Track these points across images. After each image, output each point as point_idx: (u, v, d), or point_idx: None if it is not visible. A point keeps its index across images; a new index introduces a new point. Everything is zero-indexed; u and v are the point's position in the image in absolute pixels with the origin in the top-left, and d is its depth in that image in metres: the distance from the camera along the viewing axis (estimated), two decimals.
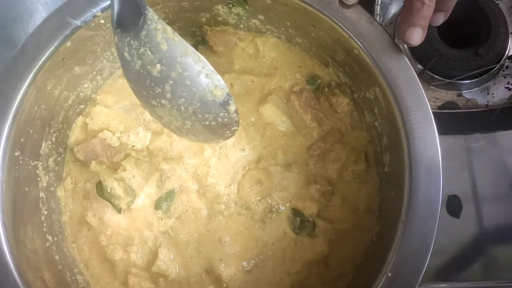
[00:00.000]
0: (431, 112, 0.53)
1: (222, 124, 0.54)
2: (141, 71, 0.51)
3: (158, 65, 0.49)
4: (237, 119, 0.55)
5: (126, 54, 0.51)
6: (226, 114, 0.53)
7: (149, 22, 0.48)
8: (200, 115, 0.53)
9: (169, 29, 0.49)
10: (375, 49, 0.55)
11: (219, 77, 0.51)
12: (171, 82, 0.50)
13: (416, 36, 0.53)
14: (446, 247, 0.80)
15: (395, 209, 0.55)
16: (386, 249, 0.54)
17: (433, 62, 0.82)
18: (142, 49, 0.49)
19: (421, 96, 0.53)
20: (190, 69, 0.50)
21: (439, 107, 0.85)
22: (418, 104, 0.53)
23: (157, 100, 0.52)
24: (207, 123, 0.54)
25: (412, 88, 0.54)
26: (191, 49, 0.49)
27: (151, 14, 0.48)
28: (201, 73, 0.50)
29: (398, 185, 0.55)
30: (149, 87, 0.52)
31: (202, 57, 0.50)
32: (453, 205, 0.81)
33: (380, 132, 0.61)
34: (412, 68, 0.54)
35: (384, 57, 0.55)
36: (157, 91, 0.51)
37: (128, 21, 0.49)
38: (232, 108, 0.53)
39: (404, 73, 0.54)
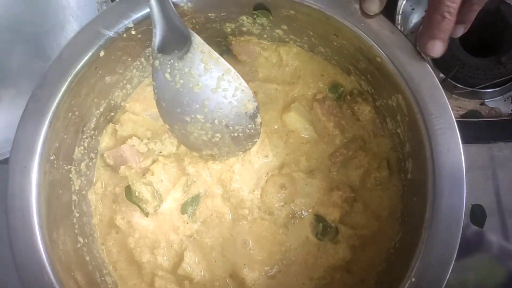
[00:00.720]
0: (454, 119, 0.54)
1: (248, 135, 0.62)
2: (181, 89, 0.58)
3: (200, 83, 0.57)
4: (260, 131, 0.63)
5: (167, 75, 0.57)
6: (253, 125, 0.61)
7: (195, 46, 0.56)
8: (231, 127, 0.60)
9: (213, 51, 0.56)
10: (398, 57, 0.56)
11: (251, 93, 0.59)
12: (210, 97, 0.57)
13: (437, 48, 0.54)
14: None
15: (418, 215, 0.55)
16: (409, 256, 0.54)
17: (455, 70, 0.82)
18: (186, 69, 0.56)
19: (444, 103, 0.54)
20: (229, 86, 0.57)
21: (462, 116, 0.85)
22: (441, 111, 0.54)
23: (192, 116, 0.59)
24: (236, 134, 0.61)
25: (435, 95, 0.54)
26: (231, 68, 0.57)
27: (198, 39, 0.56)
28: (238, 89, 0.58)
29: (421, 191, 0.56)
30: (186, 104, 0.59)
31: (238, 75, 0.58)
32: (477, 215, 0.81)
33: (402, 139, 0.62)
34: (435, 76, 0.55)
35: (406, 65, 0.56)
36: (194, 107, 0.58)
37: (171, 46, 0.56)
38: (258, 120, 0.61)
39: (427, 81, 0.55)
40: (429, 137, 0.54)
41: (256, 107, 0.60)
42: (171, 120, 0.61)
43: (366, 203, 0.66)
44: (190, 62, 0.56)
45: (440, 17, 0.52)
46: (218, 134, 0.61)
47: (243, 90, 0.58)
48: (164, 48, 0.56)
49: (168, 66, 0.57)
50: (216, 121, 0.59)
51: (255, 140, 0.64)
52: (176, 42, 0.56)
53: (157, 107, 0.61)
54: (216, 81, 0.57)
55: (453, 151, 0.53)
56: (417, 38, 0.56)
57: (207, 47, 0.56)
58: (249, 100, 0.59)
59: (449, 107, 0.54)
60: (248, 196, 0.67)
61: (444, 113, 0.54)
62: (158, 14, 0.54)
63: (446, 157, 0.53)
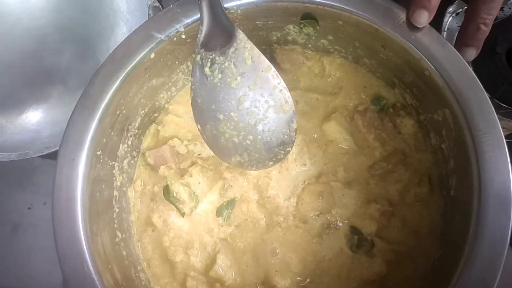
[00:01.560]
0: (503, 136, 0.53)
1: (281, 141, 0.60)
2: (219, 84, 0.57)
3: (239, 78, 0.56)
4: (294, 139, 0.61)
5: (206, 69, 0.57)
6: (288, 131, 0.59)
7: (239, 41, 0.56)
8: (264, 129, 0.58)
9: (255, 47, 0.56)
10: (447, 71, 0.55)
11: (289, 94, 0.58)
12: (247, 94, 0.56)
13: (469, 55, 0.59)
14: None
15: (461, 233, 0.54)
16: (450, 274, 0.53)
17: (501, 90, 0.80)
18: (226, 63, 0.56)
19: (494, 120, 0.53)
20: (267, 83, 0.56)
21: (507, 137, 0.82)
22: (491, 127, 0.53)
23: (226, 113, 0.58)
24: (268, 138, 0.59)
25: (484, 110, 0.53)
26: (271, 66, 0.56)
27: (242, 35, 0.56)
28: (276, 88, 0.57)
29: (464, 209, 0.54)
30: (221, 100, 0.58)
31: (278, 74, 0.56)
32: None
33: (446, 155, 0.61)
34: (485, 91, 0.54)
35: (455, 79, 0.55)
36: (229, 103, 0.57)
37: (215, 42, 0.57)
38: (294, 126, 0.59)
39: (476, 96, 0.54)
40: (477, 154, 0.53)
41: (293, 111, 0.58)
42: (204, 119, 0.60)
43: (405, 218, 0.65)
44: (231, 57, 0.56)
45: (475, 28, 0.57)
46: (250, 137, 0.59)
47: (281, 90, 0.57)
48: (207, 44, 0.57)
49: (209, 60, 0.57)
50: (250, 121, 0.58)
51: (287, 149, 0.61)
52: (220, 38, 0.56)
53: (192, 105, 0.60)
54: (254, 77, 0.56)
55: (501, 169, 0.52)
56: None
57: (249, 43, 0.56)
58: (286, 102, 0.57)
59: (499, 123, 0.53)
60: (284, 203, 0.67)
61: (493, 130, 0.53)
62: (206, 12, 0.55)
63: (494, 175, 0.52)
